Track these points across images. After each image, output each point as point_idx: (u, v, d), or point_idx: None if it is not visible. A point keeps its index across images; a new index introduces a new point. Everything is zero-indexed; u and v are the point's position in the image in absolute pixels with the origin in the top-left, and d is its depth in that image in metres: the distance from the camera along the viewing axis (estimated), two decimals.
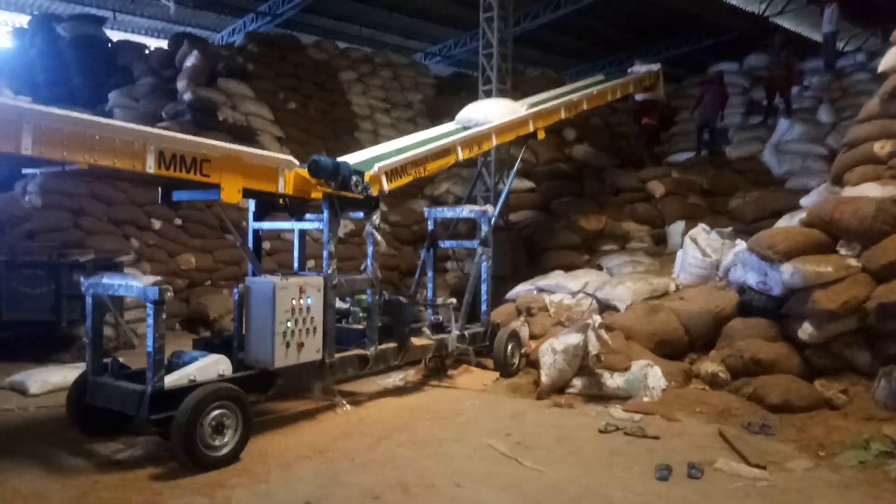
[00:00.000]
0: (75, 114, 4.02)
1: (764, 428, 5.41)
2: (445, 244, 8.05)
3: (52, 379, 6.33)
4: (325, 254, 5.50)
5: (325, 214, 5.50)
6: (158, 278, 4.46)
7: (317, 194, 5.46)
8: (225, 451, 4.45)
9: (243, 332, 5.20)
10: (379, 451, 4.78)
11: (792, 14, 17.04)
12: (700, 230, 8.19)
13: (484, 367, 7.37)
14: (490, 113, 8.21)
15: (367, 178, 5.87)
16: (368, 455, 4.70)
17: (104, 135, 4.12)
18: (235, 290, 5.25)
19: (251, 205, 6.01)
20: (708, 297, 7.21)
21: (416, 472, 4.36)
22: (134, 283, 4.48)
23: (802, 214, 6.99)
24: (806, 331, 6.13)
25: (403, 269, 13.03)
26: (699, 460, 4.63)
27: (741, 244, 7.48)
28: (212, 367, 4.79)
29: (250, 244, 6.02)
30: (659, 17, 16.55)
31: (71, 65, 13.20)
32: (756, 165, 12.37)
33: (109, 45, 14.26)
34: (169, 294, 4.38)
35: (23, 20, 14.46)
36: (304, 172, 5.32)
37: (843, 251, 6.38)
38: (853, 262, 6.17)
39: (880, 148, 7.16)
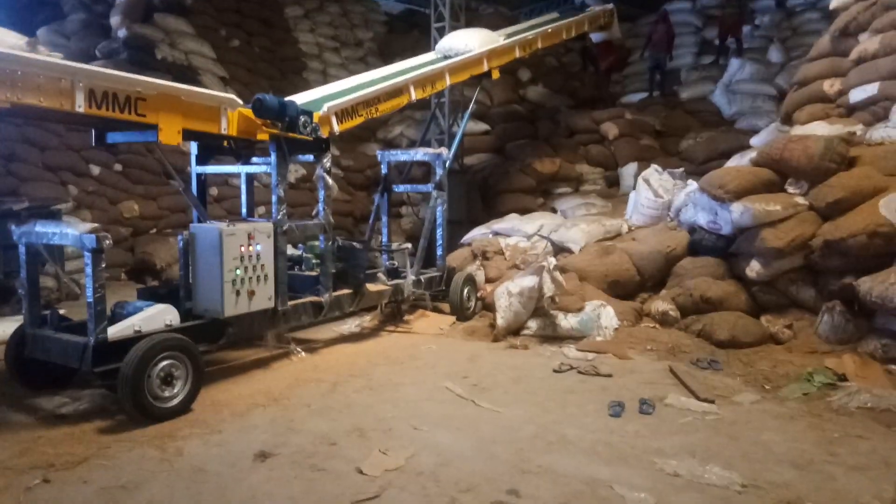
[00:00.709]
0: None
1: (712, 363, 5.56)
2: (400, 188, 7.91)
3: None
4: (273, 198, 5.30)
5: (273, 157, 5.28)
6: (95, 225, 4.22)
7: (263, 136, 5.22)
8: (175, 402, 4.33)
9: (190, 281, 5.01)
10: (335, 398, 4.74)
11: None
12: (652, 171, 8.23)
13: (441, 312, 7.36)
14: (471, 41, 8.50)
15: (316, 119, 5.65)
16: (324, 401, 4.65)
17: (28, 70, 3.80)
18: (180, 238, 5.03)
19: (193, 147, 5.74)
20: (659, 238, 7.30)
21: (373, 417, 4.34)
22: (69, 231, 4.24)
23: (752, 154, 7.06)
24: (753, 269, 6.27)
25: (358, 214, 12.85)
26: (650, 396, 4.73)
27: (692, 184, 7.55)
28: (158, 316, 4.62)
29: (194, 189, 5.77)
30: None
31: None
32: (707, 106, 12.46)
33: None
34: (107, 242, 4.16)
35: None
36: (249, 112, 5.06)
37: (791, 189, 6.49)
38: (801, 200, 6.29)
39: (830, 86, 7.24)
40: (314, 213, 5.89)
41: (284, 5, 13.60)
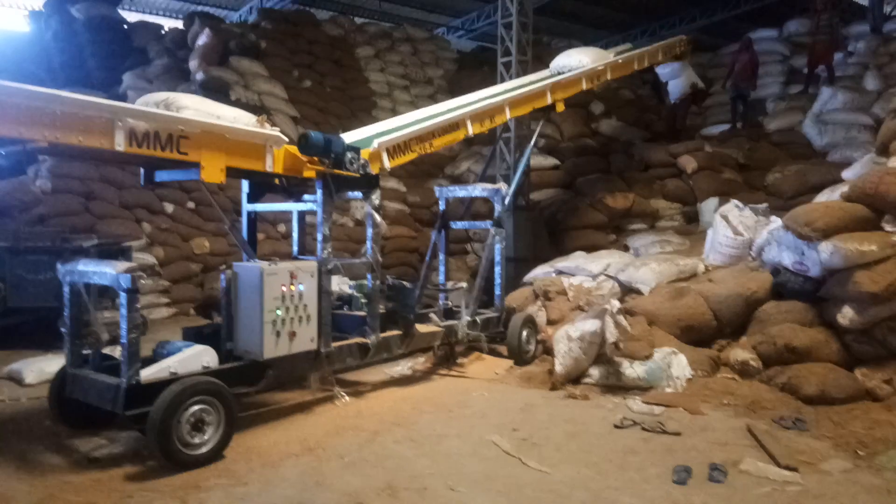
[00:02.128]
0: (33, 87, 3.70)
1: (797, 423, 4.94)
2: (457, 225, 7.66)
3: (49, 368, 6.11)
4: (318, 236, 5.14)
5: (319, 194, 5.14)
6: (132, 264, 4.17)
7: (309, 173, 5.10)
8: (205, 449, 4.16)
9: (231, 321, 4.89)
10: (372, 449, 4.45)
11: None
12: (732, 206, 7.63)
13: (499, 355, 7.00)
14: (584, 59, 9.17)
15: (366, 155, 5.51)
16: (360, 453, 4.37)
17: (66, 110, 3.79)
18: (222, 277, 4.94)
19: (244, 185, 5.70)
20: (739, 279, 6.69)
21: (409, 473, 4.02)
22: (107, 270, 4.19)
23: (844, 188, 6.40)
24: (846, 315, 5.60)
25: (423, 251, 12.67)
26: (723, 460, 4.20)
27: (776, 221, 6.92)
28: (195, 358, 4.50)
29: (245, 227, 5.71)
30: None
31: (85, 47, 13.06)
32: (796, 137, 11.65)
33: (125, 25, 14.06)
34: (143, 281, 4.09)
35: (38, 3, 14.34)
36: (295, 150, 4.96)
37: (888, 227, 5.81)
38: None
39: None
40: (362, 251, 5.70)
41: (356, 46, 13.82)
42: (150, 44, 13.53)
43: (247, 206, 5.72)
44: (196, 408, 4.13)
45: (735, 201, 7.76)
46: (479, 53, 16.36)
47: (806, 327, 5.90)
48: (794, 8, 14.82)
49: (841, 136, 10.86)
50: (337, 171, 5.14)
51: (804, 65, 12.94)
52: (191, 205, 10.63)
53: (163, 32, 13.86)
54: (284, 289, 4.79)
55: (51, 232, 8.12)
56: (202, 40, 11.67)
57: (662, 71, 12.10)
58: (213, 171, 4.46)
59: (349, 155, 5.16)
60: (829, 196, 6.77)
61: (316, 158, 5.06)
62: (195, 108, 4.63)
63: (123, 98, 12.00)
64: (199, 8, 15.42)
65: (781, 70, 13.74)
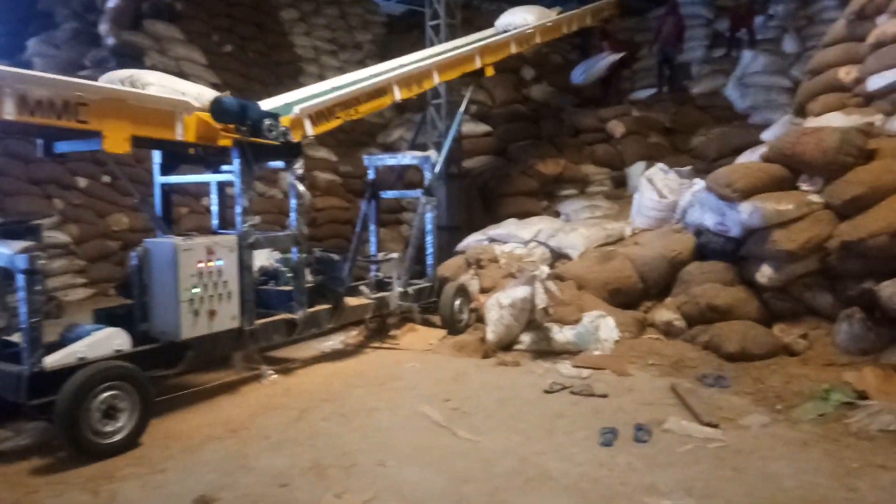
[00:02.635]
0: None
1: (719, 380, 5.08)
2: (388, 194, 7.50)
3: None
4: (237, 209, 4.92)
5: (236, 164, 4.90)
6: (29, 244, 3.87)
7: (225, 142, 4.83)
8: (119, 437, 3.96)
9: (145, 301, 4.64)
10: (300, 427, 4.33)
11: None
12: (657, 170, 7.74)
13: (432, 325, 6.94)
14: (528, 17, 9.39)
15: (286, 123, 5.27)
16: (287, 432, 4.24)
17: None
18: (133, 255, 4.67)
19: (155, 156, 5.38)
20: (664, 242, 6.82)
21: (338, 450, 3.93)
22: (1, 251, 3.88)
23: (764, 149, 6.56)
24: (765, 273, 5.79)
25: (357, 222, 12.45)
26: (648, 420, 4.28)
27: (699, 184, 7.06)
28: (105, 341, 4.25)
29: (158, 201, 5.41)
30: None
31: None
32: (719, 101, 11.88)
33: None
34: (42, 262, 3.80)
35: None
36: (208, 116, 4.69)
37: (804, 186, 6.00)
38: (815, 198, 5.80)
39: (846, 74, 6.71)
40: (287, 223, 5.50)
41: (279, 8, 13.25)
42: (56, 7, 12.60)
43: (159, 179, 5.42)
44: (107, 394, 3.90)
45: (660, 165, 7.88)
46: (410, 17, 15.95)
47: (727, 286, 6.07)
48: None
49: (761, 99, 11.13)
50: (255, 139, 4.89)
51: (727, 28, 13.17)
52: (106, 178, 10.06)
53: None
54: (202, 265, 4.57)
55: None
56: (113, 2, 10.91)
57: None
58: (116, 141, 4.17)
59: (267, 122, 4.93)
60: (750, 157, 6.93)
61: (232, 126, 4.80)
62: (160, 84, 4.64)
63: (29, 65, 11.20)
64: None
65: (705, 34, 13.91)
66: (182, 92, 4.66)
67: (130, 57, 10.67)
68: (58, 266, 9.29)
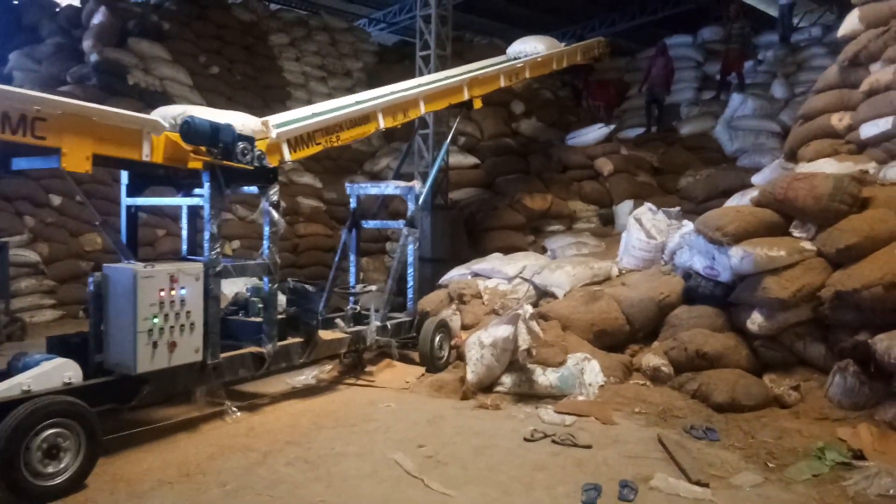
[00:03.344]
0: None
1: (708, 432, 4.83)
2: (369, 224, 7.27)
3: None
4: (206, 235, 4.65)
5: (206, 188, 4.65)
6: None
7: (195, 164, 4.59)
8: (61, 479, 3.62)
9: (101, 331, 4.34)
10: (260, 473, 4.02)
11: None
12: (645, 209, 7.58)
13: (411, 362, 6.66)
14: (538, 46, 10.01)
15: (262, 147, 5.05)
16: (246, 478, 3.93)
17: None
18: (91, 280, 4.38)
19: (123, 177, 5.12)
20: (651, 283, 6.61)
21: (298, 501, 3.62)
22: None
23: (754, 193, 6.42)
24: (755, 321, 5.58)
25: None
26: (634, 476, 4.02)
27: (688, 225, 6.89)
28: (54, 373, 3.94)
29: (123, 224, 5.14)
30: None
31: None
32: (708, 142, 11.89)
33: (15, 2, 12.87)
34: None
35: None
36: (177, 137, 4.45)
37: (796, 233, 5.83)
38: (808, 245, 5.63)
39: (838, 120, 6.63)
40: (261, 252, 5.23)
41: (269, 33, 13.16)
42: (41, 22, 12.42)
43: (126, 200, 5.15)
44: (49, 431, 3.58)
45: (648, 204, 7.72)
46: (401, 47, 15.97)
47: (717, 333, 5.86)
48: (708, 16, 15.18)
49: (750, 142, 11.13)
50: (227, 162, 4.65)
51: (717, 71, 13.25)
52: (79, 198, 9.74)
53: (57, 10, 12.76)
54: (163, 293, 4.28)
55: None
56: (97, 19, 10.76)
57: None
58: (76, 159, 3.92)
59: (241, 145, 4.69)
60: (740, 201, 6.79)
61: (203, 148, 4.56)
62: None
63: (9, 79, 10.96)
64: None
65: (695, 76, 14.02)
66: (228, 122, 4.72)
67: (113, 74, 10.50)
68: (25, 286, 8.96)
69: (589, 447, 4.53)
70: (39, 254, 9.12)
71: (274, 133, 5.15)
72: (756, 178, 7.77)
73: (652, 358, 6.02)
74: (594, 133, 11.77)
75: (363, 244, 11.33)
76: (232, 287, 7.24)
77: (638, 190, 10.91)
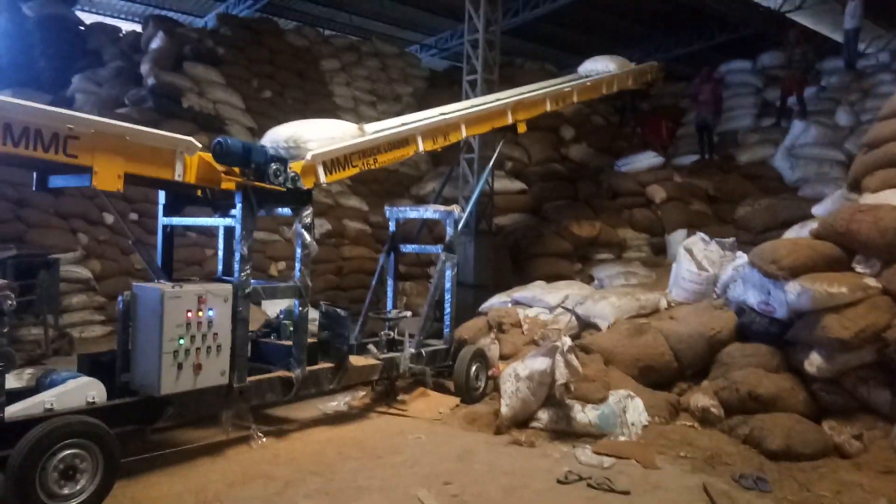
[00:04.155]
0: None
1: (759, 482, 4.47)
2: (407, 248, 7.13)
3: None
4: (236, 256, 4.60)
5: (238, 209, 4.61)
6: (2, 282, 3.57)
7: (228, 185, 4.57)
8: (76, 501, 3.57)
9: (128, 350, 4.31)
10: None
11: (811, 10, 15.95)
12: (697, 239, 7.23)
13: (446, 391, 6.46)
14: (611, 65, 10.21)
15: (297, 168, 4.99)
16: None
17: None
18: (120, 299, 4.37)
19: (160, 196, 5.14)
20: (702, 318, 6.26)
21: None
22: None
23: (814, 224, 6.04)
24: (814, 362, 5.18)
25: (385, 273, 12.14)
26: None
27: (742, 257, 6.53)
28: (78, 392, 3.92)
29: (159, 244, 5.15)
30: (669, 10, 15.53)
31: (36, 46, 12.43)
32: (767, 171, 11.40)
33: (81, 27, 13.46)
34: (9, 303, 3.49)
35: None
36: (210, 157, 4.43)
37: (860, 268, 5.44)
38: (872, 281, 5.23)
39: None
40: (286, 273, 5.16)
41: (321, 58, 13.34)
42: (105, 46, 12.94)
43: (163, 220, 5.17)
44: (67, 452, 3.53)
45: (701, 234, 7.36)
46: (452, 72, 15.98)
47: (771, 373, 5.48)
48: (767, 41, 14.70)
49: (812, 171, 10.61)
50: (259, 183, 4.61)
51: (777, 97, 12.77)
52: (133, 216, 9.98)
53: (120, 35, 13.27)
54: (190, 314, 4.23)
55: None
56: (156, 43, 11.12)
57: None
58: (107, 178, 3.92)
59: (274, 166, 4.65)
60: (799, 232, 6.41)
61: (236, 169, 4.53)
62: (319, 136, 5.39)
63: (71, 101, 11.39)
64: (163, 12, 14.82)
65: (754, 102, 13.53)
66: (331, 136, 5.37)
67: (169, 97, 10.77)
68: (76, 301, 9.16)
69: (627, 493, 4.23)
70: (91, 270, 9.32)
71: (309, 155, 5.08)
72: (817, 209, 7.34)
73: (701, 398, 5.66)
74: (646, 161, 11.46)
75: (406, 268, 11.37)
76: (274, 308, 7.27)
77: (692, 219, 10.51)
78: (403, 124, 6.51)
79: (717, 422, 5.44)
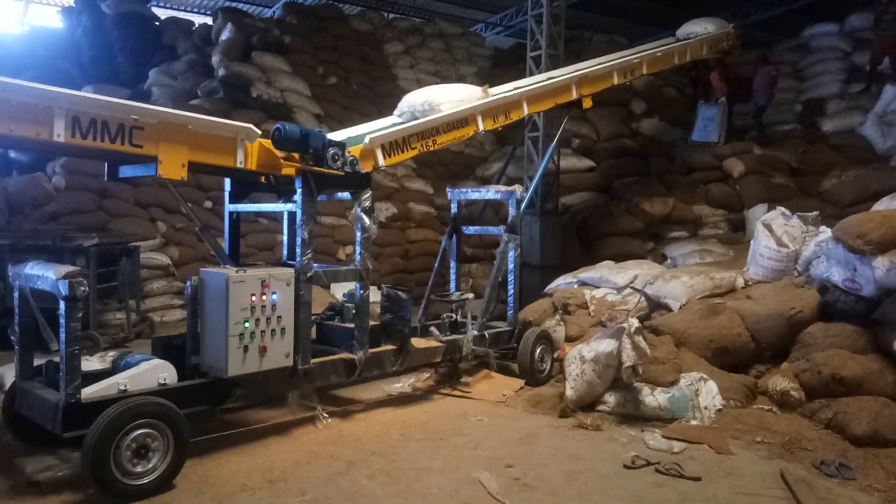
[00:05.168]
0: None
1: (842, 469, 4.22)
2: (469, 230, 7.06)
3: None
4: (297, 240, 4.66)
5: (298, 194, 4.66)
6: (73, 269, 3.74)
7: (288, 170, 4.62)
8: (149, 479, 3.71)
9: (197, 334, 4.44)
10: (341, 484, 3.93)
11: None
12: (777, 214, 6.84)
13: (511, 373, 6.40)
14: (709, 26, 10.27)
15: (356, 152, 5.00)
16: (326, 488, 3.85)
17: None
18: (188, 283, 4.50)
19: (226, 184, 5.26)
20: (781, 297, 5.93)
21: None
22: (49, 275, 3.77)
23: None
24: None
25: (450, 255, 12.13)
26: None
27: (825, 232, 6.13)
28: (150, 373, 4.07)
29: (226, 229, 5.28)
30: None
31: (115, 42, 12.98)
32: (855, 140, 10.66)
33: (156, 22, 13.96)
34: (83, 289, 3.65)
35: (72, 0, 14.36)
36: (269, 144, 4.49)
37: None
38: None
39: None
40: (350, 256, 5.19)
41: (384, 42, 13.36)
42: (179, 40, 13.38)
43: (229, 207, 5.31)
44: (139, 431, 3.67)
45: (781, 208, 6.96)
46: (517, 50, 15.64)
47: (857, 354, 5.15)
48: (856, 1, 13.70)
49: None
50: (318, 168, 4.64)
51: (866, 62, 11.90)
52: (208, 204, 10.31)
53: (193, 29, 13.69)
54: (254, 298, 4.32)
55: (52, 230, 7.88)
56: (225, 35, 11.40)
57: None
58: (172, 167, 4.02)
59: (331, 151, 4.66)
60: (889, 204, 5.97)
61: (295, 155, 4.57)
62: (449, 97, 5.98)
63: (147, 94, 11.85)
64: (233, 5, 15.18)
65: (841, 67, 12.66)
66: (459, 99, 6.00)
67: (238, 87, 11.03)
68: (157, 287, 9.56)
69: (697, 479, 4.07)
70: (170, 257, 9.70)
71: (367, 139, 5.08)
72: None
73: (780, 381, 5.38)
74: (716, 120, 11.09)
75: (472, 250, 11.31)
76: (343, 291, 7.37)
77: (773, 193, 9.95)
78: (516, 88, 6.76)
79: (798, 405, 5.16)
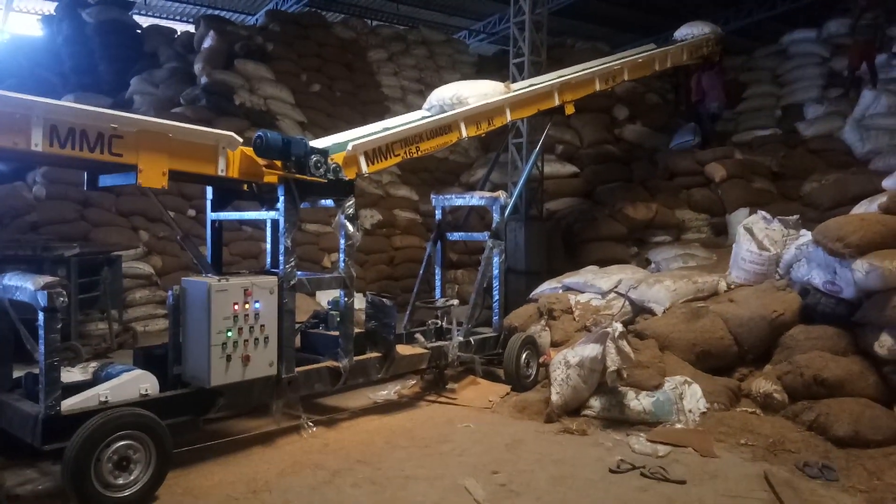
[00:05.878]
0: None
1: (825, 470, 4.25)
2: (454, 236, 7.07)
3: None
4: (280, 248, 4.64)
5: (281, 202, 4.64)
6: (52, 279, 3.69)
7: (270, 178, 4.60)
8: (131, 491, 3.66)
9: (179, 343, 4.40)
10: (325, 493, 3.90)
11: None
12: (758, 218, 6.90)
13: (497, 379, 6.39)
14: (705, 29, 10.82)
15: (339, 160, 4.99)
16: (310, 497, 3.83)
17: None
18: (170, 293, 4.46)
19: (208, 192, 5.23)
20: (763, 300, 5.98)
21: None
22: (27, 286, 3.73)
23: (883, 198, 5.68)
24: (885, 344, 4.91)
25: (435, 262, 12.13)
26: None
27: (806, 235, 6.20)
28: (131, 384, 4.02)
29: (208, 237, 5.25)
30: None
31: (96, 51, 12.89)
32: (835, 144, 10.84)
33: (138, 30, 13.88)
34: (62, 300, 3.61)
35: (52, 7, 14.24)
36: (251, 152, 4.47)
37: None
38: None
39: None
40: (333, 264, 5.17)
41: (368, 49, 13.36)
42: (161, 48, 13.30)
43: (211, 215, 5.27)
44: (120, 443, 3.63)
45: (762, 212, 7.02)
46: (500, 57, 15.74)
47: (838, 356, 5.20)
48: (833, 8, 13.90)
49: (884, 143, 10.06)
50: (300, 175, 4.62)
51: (845, 67, 12.08)
52: (191, 212, 10.24)
53: (175, 37, 13.62)
54: (237, 307, 4.29)
55: (33, 240, 7.79)
56: (207, 43, 11.36)
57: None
58: (152, 175, 3.99)
59: (314, 158, 4.65)
60: (867, 208, 6.04)
61: (278, 162, 4.55)
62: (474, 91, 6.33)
63: (129, 103, 11.76)
64: (215, 12, 15.12)
65: (820, 73, 12.84)
66: (483, 93, 6.36)
67: (221, 95, 10.99)
68: (140, 296, 9.46)
69: (682, 483, 4.09)
70: (153, 266, 9.61)
71: (350, 146, 5.07)
72: (887, 183, 6.86)
73: (763, 383, 5.42)
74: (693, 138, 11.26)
75: (458, 256, 11.32)
76: (327, 299, 7.34)
77: (754, 197, 10.09)
78: (531, 85, 7.06)
79: (781, 408, 5.20)
